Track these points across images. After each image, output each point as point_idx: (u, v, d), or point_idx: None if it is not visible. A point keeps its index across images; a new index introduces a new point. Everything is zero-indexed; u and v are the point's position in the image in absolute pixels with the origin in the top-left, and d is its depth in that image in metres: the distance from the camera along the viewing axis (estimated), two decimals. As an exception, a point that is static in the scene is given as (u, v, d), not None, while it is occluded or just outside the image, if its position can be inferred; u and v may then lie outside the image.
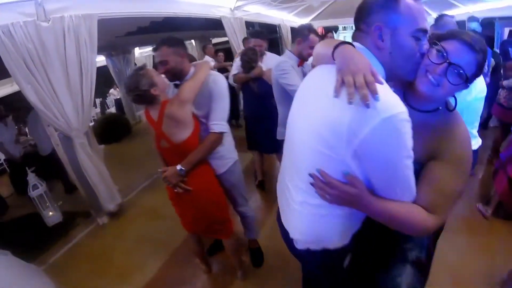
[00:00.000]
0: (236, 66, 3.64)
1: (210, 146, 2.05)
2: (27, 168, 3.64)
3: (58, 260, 3.18)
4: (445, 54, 1.03)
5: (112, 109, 9.40)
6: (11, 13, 2.57)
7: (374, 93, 0.86)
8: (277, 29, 8.59)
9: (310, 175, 1.06)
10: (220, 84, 2.06)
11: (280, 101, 2.78)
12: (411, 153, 0.93)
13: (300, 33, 2.72)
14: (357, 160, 0.96)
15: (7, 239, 3.52)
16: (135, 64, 7.21)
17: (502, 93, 3.81)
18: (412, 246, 1.38)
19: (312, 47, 2.64)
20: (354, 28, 1.14)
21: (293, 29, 8.72)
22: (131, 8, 3.51)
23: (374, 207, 1.03)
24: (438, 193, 1.05)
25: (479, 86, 1.76)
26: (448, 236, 2.78)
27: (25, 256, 2.48)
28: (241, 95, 4.51)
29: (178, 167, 1.94)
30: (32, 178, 3.60)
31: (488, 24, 7.87)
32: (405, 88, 1.17)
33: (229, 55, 5.98)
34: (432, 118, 1.14)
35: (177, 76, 2.03)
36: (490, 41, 6.36)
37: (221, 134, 2.08)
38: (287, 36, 8.56)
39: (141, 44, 9.39)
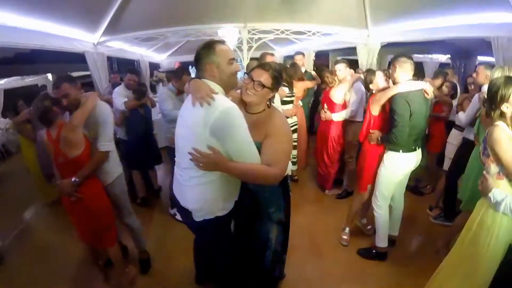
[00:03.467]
0: (119, 95, 4.14)
1: (98, 162, 2.56)
2: None
3: None
4: (251, 77, 1.86)
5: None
6: None
7: (211, 98, 1.58)
8: (135, 64, 8.91)
9: (189, 153, 1.64)
10: (105, 111, 2.62)
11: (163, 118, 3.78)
12: (246, 128, 1.65)
13: (176, 75, 3.74)
14: (214, 138, 1.62)
15: None
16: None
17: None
18: (274, 210, 2.25)
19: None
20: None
21: (151, 64, 9.24)
22: (1, 37, 3.48)
23: (231, 167, 1.67)
24: (271, 154, 1.75)
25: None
26: (302, 208, 3.91)
27: None
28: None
29: (73, 178, 2.36)
30: None
31: (323, 55, 9.98)
32: (245, 105, 1.94)
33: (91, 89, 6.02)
34: (261, 116, 1.93)
35: (77, 106, 2.46)
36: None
37: (107, 152, 2.62)
38: (146, 70, 8.93)
39: (1, 76, 8.78)
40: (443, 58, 9.54)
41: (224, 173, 1.70)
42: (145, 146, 4.27)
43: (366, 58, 5.99)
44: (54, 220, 4.44)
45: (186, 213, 1.88)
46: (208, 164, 1.63)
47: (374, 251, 3.14)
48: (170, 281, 2.97)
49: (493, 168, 1.91)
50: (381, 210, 2.99)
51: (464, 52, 7.35)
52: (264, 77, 1.85)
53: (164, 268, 3.17)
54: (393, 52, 5.53)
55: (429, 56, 9.84)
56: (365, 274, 2.95)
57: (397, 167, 2.83)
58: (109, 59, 7.30)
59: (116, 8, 4.83)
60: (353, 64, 5.10)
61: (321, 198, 4.53)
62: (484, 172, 1.99)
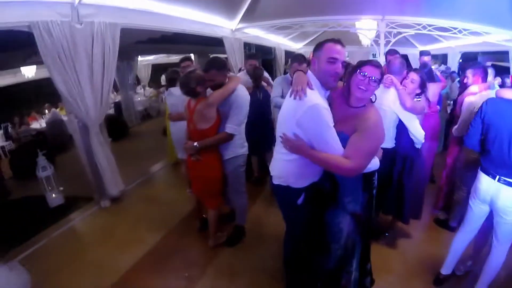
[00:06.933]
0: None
1: (220, 139, 2.76)
2: (38, 150, 4.03)
3: (59, 236, 3.47)
4: (365, 73, 1.84)
5: (110, 111, 9.56)
6: (50, 12, 3.03)
7: (304, 93, 1.75)
8: (272, 51, 9.23)
9: (280, 136, 1.92)
10: (241, 97, 2.76)
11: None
12: (330, 124, 1.77)
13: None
14: (300, 128, 1.81)
15: (9, 219, 3.88)
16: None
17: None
18: (350, 200, 2.13)
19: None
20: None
21: (287, 52, 9.41)
22: (149, 21, 4.09)
23: (311, 154, 1.81)
24: (353, 149, 1.79)
25: None
26: (404, 231, 3.34)
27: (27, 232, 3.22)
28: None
29: (195, 143, 2.68)
30: (41, 160, 4.00)
31: (472, 57, 8.67)
32: (347, 98, 1.97)
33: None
34: (360, 111, 1.93)
35: (219, 88, 2.69)
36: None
37: (231, 134, 2.76)
38: (280, 58, 9.20)
39: (149, 53, 10.39)
40: None
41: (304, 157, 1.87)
42: (260, 131, 4.24)
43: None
44: (172, 178, 5.13)
45: (271, 176, 2.17)
46: (292, 148, 1.87)
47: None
48: (251, 261, 3.01)
49: None
50: (459, 231, 2.58)
51: None
52: (379, 73, 1.88)
53: (250, 247, 3.20)
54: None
55: None
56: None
57: (475, 185, 2.38)
58: (247, 44, 7.71)
59: (253, -4, 5.05)
60: (503, 71, 4.15)
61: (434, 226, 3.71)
62: None
